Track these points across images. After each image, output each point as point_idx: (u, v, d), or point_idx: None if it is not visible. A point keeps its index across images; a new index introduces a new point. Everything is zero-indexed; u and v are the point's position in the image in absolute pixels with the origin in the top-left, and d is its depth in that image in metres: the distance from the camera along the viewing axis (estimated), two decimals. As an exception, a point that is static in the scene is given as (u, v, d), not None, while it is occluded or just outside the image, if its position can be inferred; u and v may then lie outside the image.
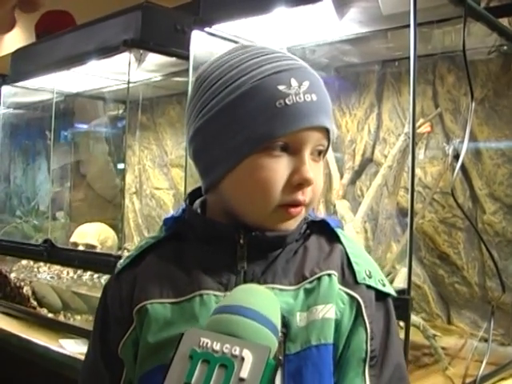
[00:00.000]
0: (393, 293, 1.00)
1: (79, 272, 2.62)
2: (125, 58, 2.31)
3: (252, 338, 0.76)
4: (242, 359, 0.72)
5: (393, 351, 0.96)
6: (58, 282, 2.67)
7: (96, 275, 2.55)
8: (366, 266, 0.98)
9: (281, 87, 0.90)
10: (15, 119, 3.39)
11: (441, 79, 2.12)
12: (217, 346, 0.74)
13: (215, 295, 0.93)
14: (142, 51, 2.35)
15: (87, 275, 2.58)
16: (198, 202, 1.04)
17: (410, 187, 1.45)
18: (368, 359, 0.94)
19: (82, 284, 2.59)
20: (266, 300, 0.83)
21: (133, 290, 0.99)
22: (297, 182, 0.91)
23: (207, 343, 0.74)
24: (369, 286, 0.96)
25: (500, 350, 1.88)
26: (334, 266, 0.96)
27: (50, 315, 2.59)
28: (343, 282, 0.96)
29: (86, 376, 1.07)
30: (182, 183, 2.89)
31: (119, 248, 2.57)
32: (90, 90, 3.12)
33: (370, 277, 0.97)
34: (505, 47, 1.93)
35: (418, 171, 2.09)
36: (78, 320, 2.53)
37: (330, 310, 0.92)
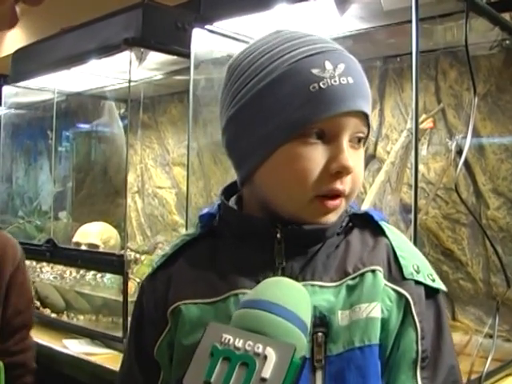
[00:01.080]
0: (443, 288, 0.94)
1: (82, 272, 2.61)
2: (126, 56, 2.30)
3: (277, 336, 0.73)
4: (265, 358, 0.69)
5: (446, 351, 0.91)
6: (60, 281, 2.67)
7: (99, 275, 2.55)
8: (413, 261, 0.92)
9: (315, 70, 0.85)
10: (17, 119, 3.38)
11: (443, 74, 2.11)
12: (239, 343, 0.71)
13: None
14: (142, 50, 2.34)
15: (90, 275, 2.57)
16: (234, 197, 1.00)
17: (413, 183, 1.44)
18: (419, 360, 0.88)
19: (85, 284, 2.58)
20: (295, 295, 0.79)
21: (167, 290, 0.96)
22: (335, 170, 0.86)
23: (229, 340, 0.71)
24: (417, 282, 0.91)
25: (505, 346, 1.87)
26: (378, 262, 0.91)
27: (54, 315, 2.59)
28: (390, 277, 0.90)
29: (121, 379, 1.04)
30: (184, 182, 2.88)
31: (122, 247, 2.56)
32: (91, 90, 3.11)
33: (418, 272, 0.91)
34: (507, 42, 1.93)
35: (421, 167, 2.08)
36: (81, 320, 2.53)
37: (374, 309, 0.87)
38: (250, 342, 0.70)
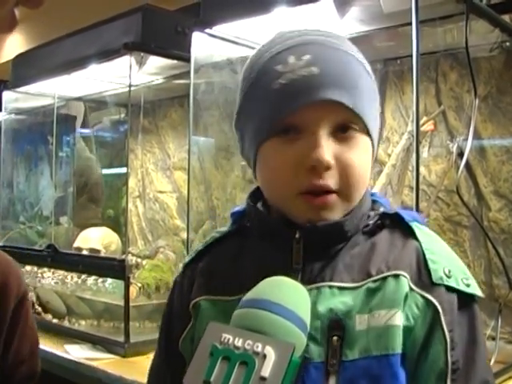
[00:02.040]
0: (478, 293, 0.87)
1: (83, 277, 2.61)
2: (126, 61, 2.31)
3: (277, 335, 0.72)
4: (264, 357, 0.68)
5: (480, 364, 0.84)
6: (62, 287, 2.67)
7: (100, 280, 2.54)
8: (444, 264, 0.86)
9: (278, 67, 0.85)
10: (17, 125, 3.38)
11: (443, 77, 2.11)
12: (238, 343, 0.70)
13: None
14: (142, 54, 2.35)
15: (91, 280, 2.57)
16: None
17: (414, 186, 1.44)
18: (449, 372, 0.82)
19: (87, 289, 2.58)
20: (295, 294, 0.78)
21: (192, 285, 0.98)
22: (309, 165, 0.83)
23: (229, 339, 0.71)
24: (449, 288, 0.84)
25: (508, 348, 1.86)
26: (404, 266, 0.86)
27: (55, 320, 2.59)
28: (419, 283, 0.85)
29: (150, 375, 1.05)
30: (185, 186, 2.89)
31: (123, 252, 2.56)
32: (91, 95, 3.12)
33: (449, 276, 0.85)
34: (507, 43, 1.93)
35: (422, 169, 2.07)
36: (82, 325, 2.52)
37: (394, 316, 0.82)
38: (250, 341, 0.70)
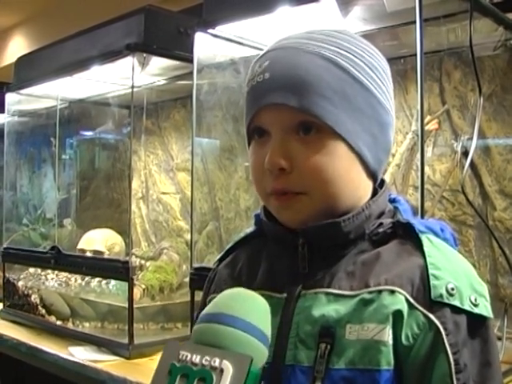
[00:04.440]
0: (486, 314, 0.82)
1: (87, 279, 2.61)
2: (128, 62, 2.30)
3: (235, 348, 0.72)
4: (222, 371, 0.68)
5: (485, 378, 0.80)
6: (66, 289, 2.67)
7: (104, 281, 2.54)
8: (449, 280, 0.81)
9: (249, 76, 0.90)
10: (20, 127, 3.38)
11: (447, 76, 2.10)
12: (196, 359, 0.70)
13: (270, 296, 0.88)
14: (145, 55, 2.34)
15: (95, 282, 2.57)
16: None
17: (419, 185, 1.43)
18: None
19: (91, 291, 2.58)
20: (252, 306, 0.77)
21: (212, 282, 1.03)
22: (265, 168, 0.86)
23: (186, 356, 0.70)
24: (455, 308, 0.80)
25: (514, 347, 1.85)
26: (404, 282, 0.82)
27: (59, 323, 2.59)
28: (421, 300, 0.81)
29: None
30: (188, 187, 2.88)
31: (127, 254, 2.56)
32: (93, 96, 3.11)
33: (451, 294, 0.80)
34: (511, 42, 1.91)
35: (426, 169, 2.06)
36: (86, 327, 2.52)
37: (382, 332, 0.80)
38: (207, 357, 0.70)
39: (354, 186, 0.89)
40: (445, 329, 0.79)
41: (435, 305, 0.80)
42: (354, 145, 0.86)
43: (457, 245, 0.91)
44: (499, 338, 1.73)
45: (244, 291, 0.80)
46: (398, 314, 0.81)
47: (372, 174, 0.91)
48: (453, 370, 0.78)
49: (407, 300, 0.81)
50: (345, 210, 0.88)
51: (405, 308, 0.81)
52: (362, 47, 0.89)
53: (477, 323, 0.82)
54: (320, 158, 0.85)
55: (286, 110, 0.84)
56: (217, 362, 0.69)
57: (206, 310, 0.78)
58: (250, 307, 0.77)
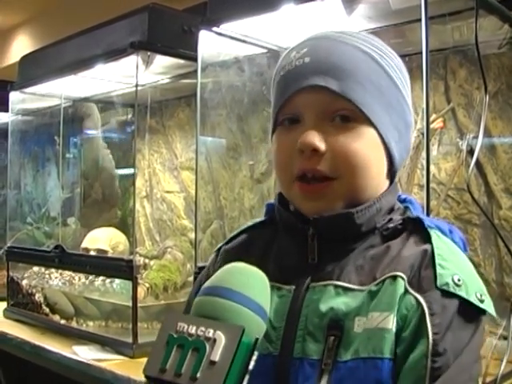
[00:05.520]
0: (491, 312, 0.82)
1: (91, 277, 2.61)
2: (132, 60, 2.30)
3: (230, 320, 0.73)
4: (214, 341, 0.70)
5: (462, 379, 0.79)
6: (69, 287, 2.67)
7: (108, 280, 2.54)
8: (456, 273, 0.81)
9: (283, 63, 0.91)
10: (24, 125, 3.37)
11: (452, 74, 2.10)
12: (192, 330, 0.72)
13: (279, 288, 0.89)
14: (149, 53, 2.33)
15: (99, 280, 2.57)
16: None
17: (425, 184, 1.43)
18: (428, 378, 0.77)
19: (94, 289, 2.57)
20: (250, 279, 0.78)
21: (214, 267, 1.01)
22: (298, 148, 0.86)
23: (183, 327, 0.73)
24: (449, 293, 0.80)
25: (520, 347, 1.85)
26: (405, 267, 0.83)
27: (63, 321, 2.59)
28: (416, 285, 0.81)
29: None
30: (192, 186, 2.88)
31: (131, 252, 2.55)
32: (97, 95, 3.11)
33: (457, 285, 0.80)
34: (517, 40, 1.91)
35: (431, 167, 2.06)
36: (90, 326, 2.52)
37: (386, 319, 0.80)
38: (202, 328, 0.72)
39: (379, 180, 0.90)
40: (429, 308, 0.79)
41: (431, 290, 0.80)
42: (385, 137, 0.88)
43: (466, 250, 0.91)
44: (505, 338, 1.72)
45: (242, 265, 0.81)
46: (398, 300, 0.81)
47: (393, 173, 0.93)
48: (429, 351, 0.77)
49: (404, 285, 0.82)
50: (363, 202, 0.88)
51: (403, 292, 0.82)
52: (390, 50, 0.93)
53: (471, 314, 0.81)
54: (355, 144, 0.86)
55: (325, 94, 0.86)
56: (210, 333, 0.71)
57: (206, 283, 0.79)
58: (247, 280, 0.78)
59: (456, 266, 0.83)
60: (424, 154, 1.47)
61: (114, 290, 2.50)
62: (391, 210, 0.92)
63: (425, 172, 1.43)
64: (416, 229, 0.88)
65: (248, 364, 0.70)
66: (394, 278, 0.83)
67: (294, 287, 0.88)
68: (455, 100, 2.08)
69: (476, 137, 1.72)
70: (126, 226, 2.89)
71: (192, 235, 2.64)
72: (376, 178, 0.89)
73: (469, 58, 2.01)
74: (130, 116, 3.19)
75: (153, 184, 3.29)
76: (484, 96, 1.63)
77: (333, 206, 0.87)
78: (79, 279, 2.67)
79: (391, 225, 0.90)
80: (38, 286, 2.77)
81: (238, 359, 0.69)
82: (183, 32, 2.32)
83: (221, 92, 2.19)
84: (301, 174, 0.87)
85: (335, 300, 0.85)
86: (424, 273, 0.82)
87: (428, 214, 1.42)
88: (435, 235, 0.86)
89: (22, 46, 5.13)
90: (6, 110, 3.16)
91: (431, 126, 1.85)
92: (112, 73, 2.65)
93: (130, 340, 2.23)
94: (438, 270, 0.81)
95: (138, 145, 3.05)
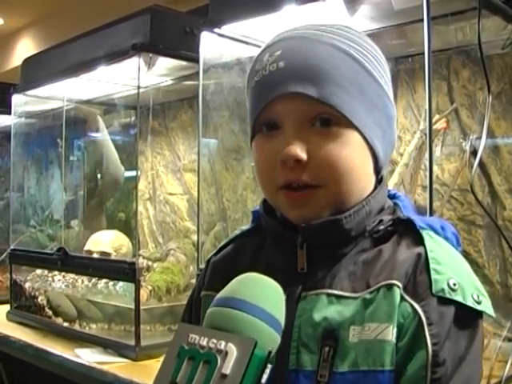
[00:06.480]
0: (489, 312, 0.82)
1: (94, 280, 2.60)
2: (134, 62, 2.30)
3: (242, 331, 0.71)
4: (226, 354, 0.68)
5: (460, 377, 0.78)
6: (72, 290, 2.66)
7: (111, 283, 2.53)
8: (451, 276, 0.80)
9: (256, 66, 0.88)
10: (27, 128, 3.38)
11: (455, 74, 2.09)
12: (203, 342, 0.70)
13: None
14: (151, 55, 2.34)
15: (102, 283, 2.56)
16: None
17: (428, 185, 1.42)
18: None
19: (97, 292, 2.57)
20: (263, 289, 0.76)
21: (204, 278, 1.02)
22: (280, 159, 0.83)
23: (195, 339, 0.71)
24: (448, 300, 0.79)
25: (524, 349, 1.84)
26: (400, 275, 0.81)
27: (66, 324, 2.58)
28: (412, 292, 0.80)
29: None
30: (195, 188, 2.87)
31: (134, 255, 2.55)
32: (100, 97, 3.11)
33: (453, 289, 0.79)
34: (520, 40, 1.90)
35: (434, 168, 2.04)
36: (93, 329, 2.52)
37: (385, 331, 0.79)
38: (214, 340, 0.70)
39: (366, 181, 0.88)
40: (427, 318, 0.78)
41: (427, 297, 0.79)
42: (368, 137, 0.86)
43: (459, 245, 0.90)
44: (510, 340, 1.71)
45: (256, 276, 0.78)
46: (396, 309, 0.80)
47: (379, 169, 0.90)
48: (429, 362, 0.76)
49: (400, 292, 0.80)
50: (352, 206, 0.86)
51: (399, 301, 0.80)
52: (368, 42, 0.90)
53: (470, 319, 0.80)
54: (338, 150, 0.83)
55: (303, 100, 0.83)
56: (222, 345, 0.69)
57: (219, 294, 0.77)
58: (261, 291, 0.76)
59: (451, 269, 0.81)
60: (427, 155, 1.46)
61: (117, 292, 2.50)
62: (381, 210, 0.90)
63: (428, 173, 1.42)
64: (407, 230, 0.87)
65: (260, 377, 0.69)
66: (390, 286, 0.81)
67: (285, 297, 0.84)
68: (458, 100, 2.07)
69: (479, 137, 1.71)
70: (129, 228, 2.88)
71: (195, 237, 2.63)
72: (362, 180, 0.88)
73: (472, 58, 2.01)
74: (132, 118, 3.19)
75: (156, 186, 3.29)
76: (487, 96, 1.62)
77: (320, 212, 0.86)
78: (82, 282, 2.66)
79: (381, 227, 0.88)
80: (41, 288, 2.77)
81: (249, 372, 0.68)
82: (185, 33, 2.32)
83: (223, 93, 2.18)
84: (286, 184, 0.85)
85: (328, 309, 0.83)
86: (419, 278, 0.81)
87: (431, 215, 1.41)
88: (428, 236, 0.85)
89: (25, 49, 5.14)
90: (9, 113, 3.16)
91: (434, 126, 1.85)
92: (114, 75, 2.65)
93: (132, 342, 2.23)
94: (433, 275, 0.80)
95: (141, 147, 3.05)
